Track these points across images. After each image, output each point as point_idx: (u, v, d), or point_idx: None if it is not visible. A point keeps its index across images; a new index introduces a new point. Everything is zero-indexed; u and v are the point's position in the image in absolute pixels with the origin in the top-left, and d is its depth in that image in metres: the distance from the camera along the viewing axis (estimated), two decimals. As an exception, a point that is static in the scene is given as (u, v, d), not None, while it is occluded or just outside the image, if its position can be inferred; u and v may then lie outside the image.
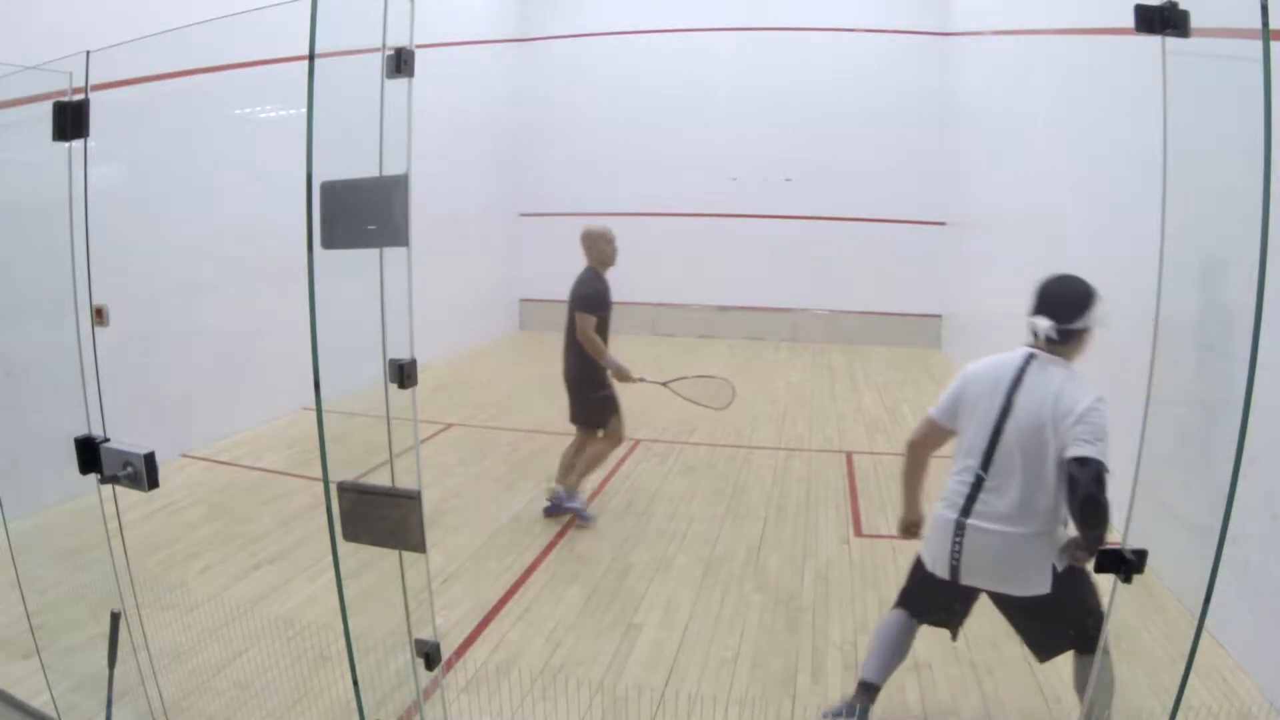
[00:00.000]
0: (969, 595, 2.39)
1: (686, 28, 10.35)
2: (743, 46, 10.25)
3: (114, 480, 1.87)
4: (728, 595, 3.37)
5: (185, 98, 4.74)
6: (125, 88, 3.28)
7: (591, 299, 4.07)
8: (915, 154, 9.71)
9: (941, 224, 9.76)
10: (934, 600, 2.43)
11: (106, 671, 2.06)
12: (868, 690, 2.44)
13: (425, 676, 1.82)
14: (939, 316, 10.05)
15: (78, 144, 1.92)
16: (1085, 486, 2.01)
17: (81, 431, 1.90)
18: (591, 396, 4.16)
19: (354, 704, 1.75)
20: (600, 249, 4.17)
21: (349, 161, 1.55)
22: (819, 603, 3.31)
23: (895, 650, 2.47)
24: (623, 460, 5.23)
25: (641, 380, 4.18)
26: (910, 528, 2.53)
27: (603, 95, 10.58)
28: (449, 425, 6.00)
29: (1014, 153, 6.74)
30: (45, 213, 2.07)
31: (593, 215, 10.71)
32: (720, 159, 10.32)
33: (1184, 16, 1.45)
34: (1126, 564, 1.58)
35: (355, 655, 1.69)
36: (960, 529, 2.25)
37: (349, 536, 1.66)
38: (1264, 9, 1.30)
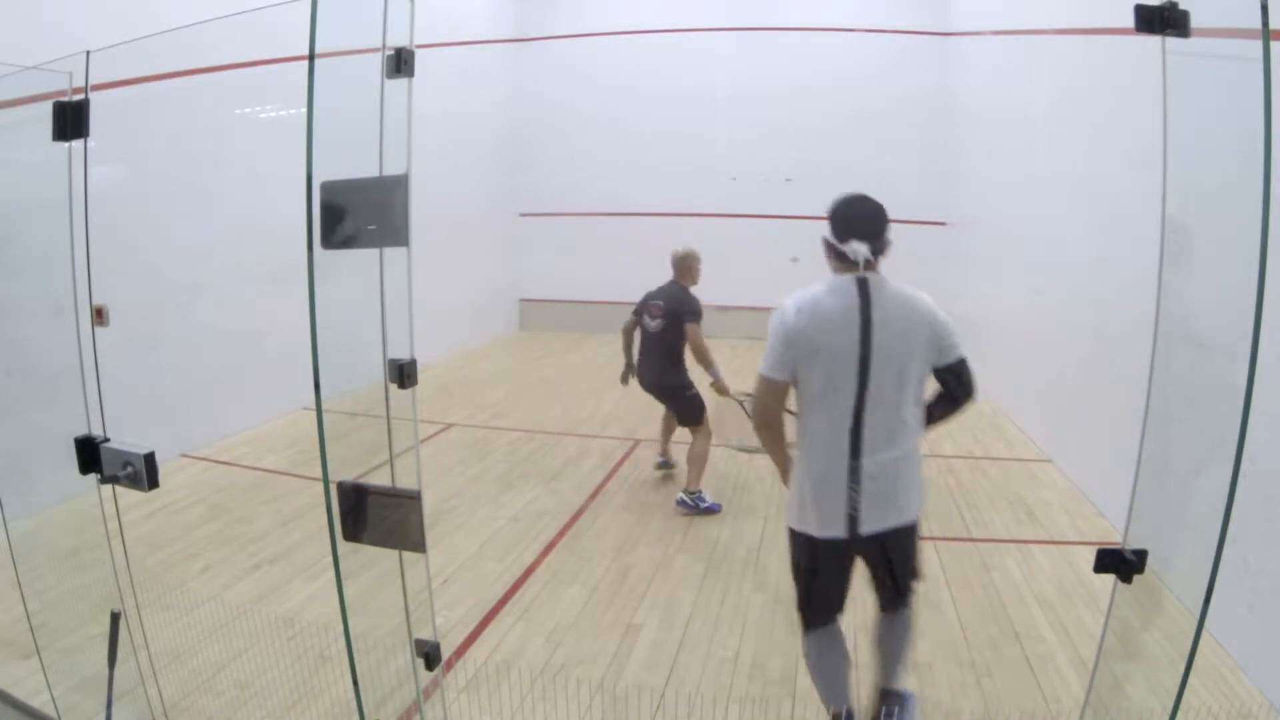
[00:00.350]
0: (853, 556, 2.26)
1: (686, 28, 10.35)
2: (743, 46, 10.25)
3: (114, 480, 1.87)
4: (728, 595, 3.37)
5: (185, 98, 4.74)
6: (125, 88, 3.28)
7: (700, 312, 4.53)
8: (915, 154, 9.70)
9: (941, 224, 9.76)
10: (832, 582, 2.27)
11: (106, 671, 2.06)
12: (849, 716, 2.27)
13: (425, 676, 1.82)
14: (939, 316, 10.04)
15: (78, 144, 1.92)
16: (970, 382, 2.17)
17: (81, 431, 1.90)
18: (689, 397, 4.60)
19: (354, 704, 1.75)
20: (695, 268, 4.70)
21: (349, 161, 1.55)
22: (819, 603, 3.30)
23: (838, 670, 2.32)
24: (623, 460, 5.23)
25: (735, 398, 4.49)
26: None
27: (603, 95, 10.58)
28: (449, 425, 6.00)
29: (1014, 153, 6.74)
30: (45, 213, 2.07)
31: (593, 215, 10.75)
32: (720, 159, 10.32)
33: (1184, 16, 1.45)
34: (1126, 564, 1.58)
35: (355, 655, 1.69)
36: (855, 474, 2.11)
37: (349, 536, 1.66)
38: (1264, 9, 1.30)
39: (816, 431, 2.18)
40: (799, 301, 2.24)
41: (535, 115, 10.76)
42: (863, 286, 2.18)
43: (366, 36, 1.53)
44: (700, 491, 4.37)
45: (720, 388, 4.53)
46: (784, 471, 2.36)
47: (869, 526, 2.13)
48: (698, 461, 4.44)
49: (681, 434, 4.74)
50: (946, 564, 3.66)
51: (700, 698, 2.62)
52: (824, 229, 2.32)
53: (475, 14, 9.74)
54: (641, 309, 4.74)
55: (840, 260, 2.23)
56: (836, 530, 2.15)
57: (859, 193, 2.36)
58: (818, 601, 2.30)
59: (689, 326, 4.47)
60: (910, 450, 2.17)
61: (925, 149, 9.60)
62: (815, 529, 2.18)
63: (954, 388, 2.19)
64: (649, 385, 4.76)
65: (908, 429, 2.16)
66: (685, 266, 4.70)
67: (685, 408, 4.62)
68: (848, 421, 2.12)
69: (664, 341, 4.57)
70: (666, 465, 4.96)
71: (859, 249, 2.20)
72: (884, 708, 2.32)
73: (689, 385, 4.63)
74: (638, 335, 4.75)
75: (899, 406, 2.13)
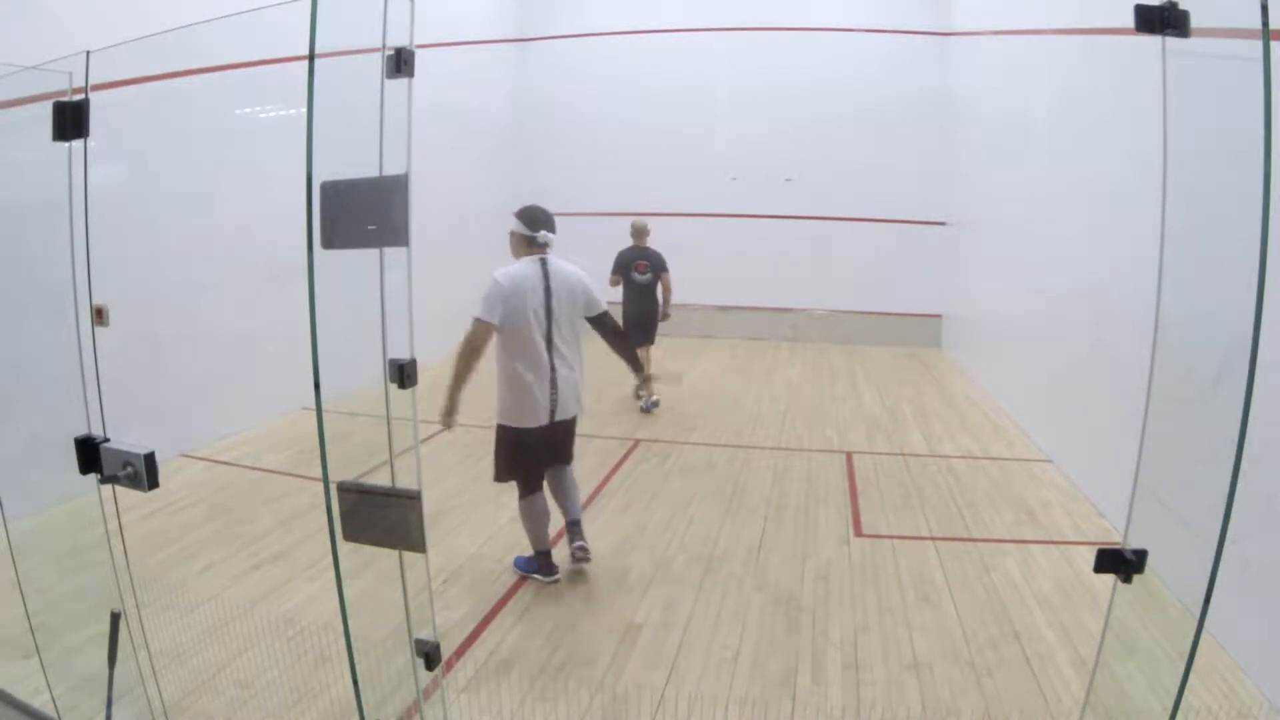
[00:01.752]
0: (547, 436, 3.36)
1: (686, 28, 10.35)
2: (743, 46, 10.24)
3: (114, 480, 1.87)
4: (728, 595, 3.37)
5: (185, 98, 4.74)
6: (125, 88, 3.28)
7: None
8: (915, 154, 9.71)
9: (941, 224, 9.76)
10: (531, 460, 3.39)
11: (106, 671, 2.06)
12: (548, 554, 3.45)
13: (425, 676, 1.82)
14: (939, 316, 10.05)
15: (78, 144, 1.92)
16: (613, 322, 3.48)
17: (81, 431, 1.90)
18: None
19: (354, 704, 1.75)
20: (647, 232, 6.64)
21: (349, 161, 1.55)
22: (819, 603, 3.31)
23: (544, 521, 3.44)
24: (623, 460, 5.23)
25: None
26: (450, 418, 3.30)
27: (603, 95, 10.58)
28: (449, 425, 5.99)
29: (1014, 153, 6.74)
30: (45, 213, 2.07)
31: (592, 215, 10.79)
32: (720, 159, 10.32)
33: (1184, 16, 1.44)
34: (1126, 564, 1.58)
35: (355, 655, 1.69)
36: (554, 380, 3.28)
37: (349, 536, 1.66)
38: (1264, 9, 1.30)
39: (523, 357, 3.25)
40: (507, 273, 3.26)
41: (536, 115, 10.76)
42: (544, 263, 3.30)
43: (366, 36, 1.53)
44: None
45: (668, 314, 6.58)
46: (458, 384, 3.27)
47: (561, 415, 3.35)
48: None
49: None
50: (946, 564, 3.67)
51: (700, 698, 2.62)
52: (514, 225, 3.37)
53: (475, 14, 9.74)
54: (629, 267, 6.47)
55: (529, 246, 3.33)
56: (541, 418, 3.30)
57: (536, 204, 3.45)
58: (531, 475, 3.42)
59: (667, 274, 6.49)
60: (578, 369, 3.39)
61: (925, 149, 9.61)
62: (528, 422, 3.29)
63: (603, 329, 3.42)
64: (648, 322, 6.49)
65: (577, 353, 3.37)
66: (648, 232, 6.63)
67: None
68: (544, 350, 3.27)
69: (652, 288, 6.49)
70: (655, 404, 6.43)
71: (548, 237, 3.33)
72: (570, 531, 3.52)
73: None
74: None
75: (570, 341, 3.34)
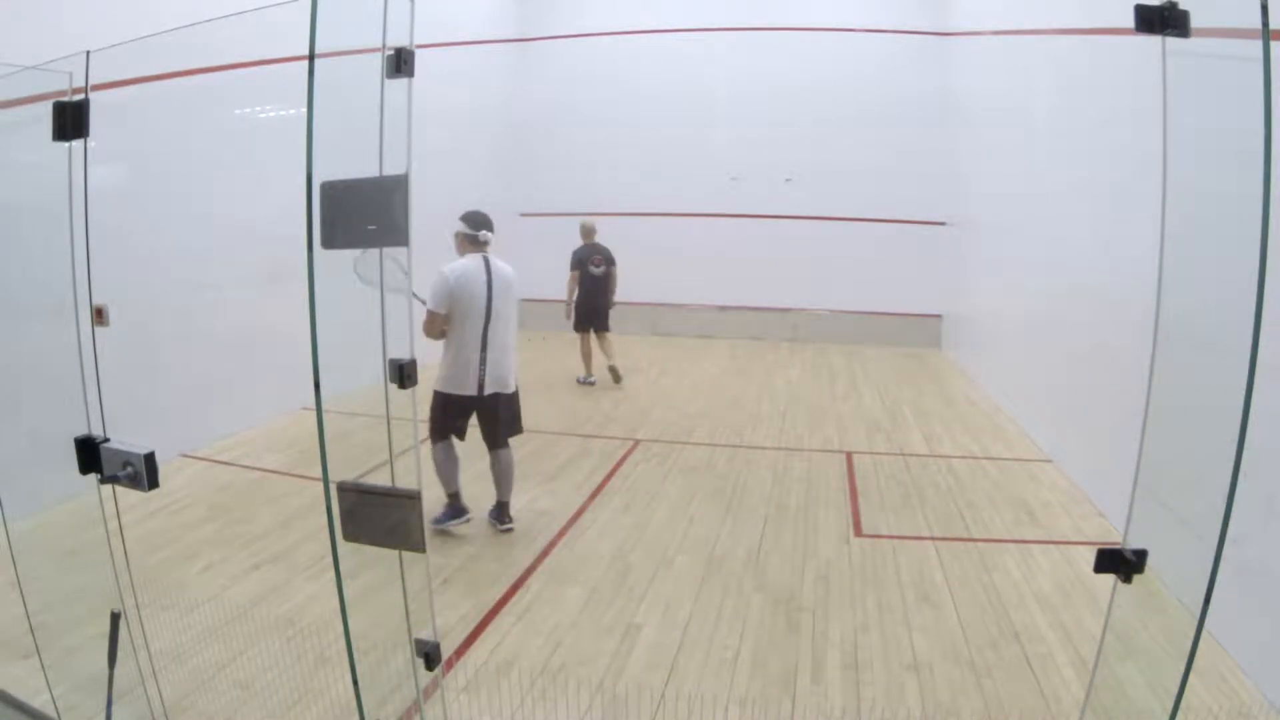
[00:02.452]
0: (475, 405, 3.89)
1: (686, 28, 10.35)
2: (742, 46, 10.25)
3: (114, 480, 1.87)
4: (728, 595, 3.37)
5: (185, 98, 4.73)
6: (125, 88, 3.28)
7: None
8: (915, 154, 9.71)
9: (941, 224, 9.76)
10: (453, 419, 3.93)
11: (106, 671, 2.06)
12: (458, 496, 3.99)
13: (425, 676, 1.82)
14: (939, 316, 10.05)
15: (78, 144, 1.92)
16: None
17: (81, 431, 1.90)
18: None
19: (354, 704, 1.75)
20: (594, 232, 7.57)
21: (349, 161, 1.55)
22: (819, 603, 3.31)
23: (454, 466, 3.97)
24: (623, 460, 5.23)
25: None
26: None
27: (602, 95, 10.58)
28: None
29: (1014, 153, 6.74)
30: (45, 213, 2.07)
31: (593, 215, 10.82)
32: (720, 159, 10.33)
33: (1184, 16, 1.44)
34: (1126, 564, 1.58)
35: (355, 655, 1.69)
36: (484, 359, 3.82)
37: (349, 536, 1.66)
38: (1264, 9, 1.30)
39: (464, 338, 3.79)
40: (453, 269, 3.77)
41: (535, 115, 10.76)
42: (486, 261, 3.85)
43: (366, 36, 1.53)
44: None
45: (613, 303, 7.56)
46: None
47: (488, 390, 3.87)
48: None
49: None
50: (946, 564, 3.67)
51: (700, 698, 2.62)
52: (460, 226, 3.91)
53: (475, 14, 9.74)
54: (586, 262, 7.35)
55: (473, 244, 3.88)
56: (471, 390, 3.83)
57: (475, 208, 3.97)
58: (445, 429, 3.95)
59: (615, 268, 7.43)
60: (510, 353, 3.93)
61: (925, 149, 9.61)
62: (460, 390, 3.83)
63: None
64: (602, 312, 7.41)
65: (509, 341, 3.91)
66: (596, 231, 7.57)
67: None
68: (480, 333, 3.81)
69: (607, 280, 7.40)
70: (592, 381, 7.43)
71: (489, 236, 3.88)
72: (498, 507, 4.06)
73: None
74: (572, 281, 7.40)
75: (503, 328, 3.87)
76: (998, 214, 7.44)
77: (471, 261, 3.80)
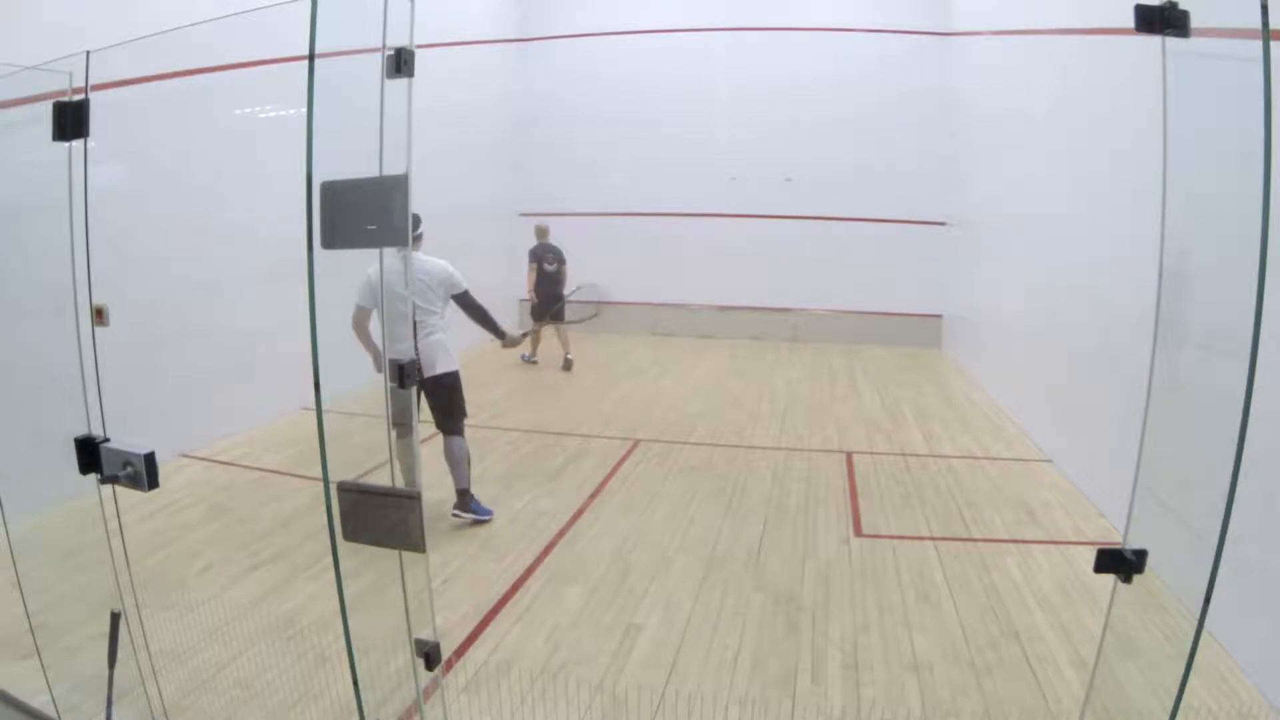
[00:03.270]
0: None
1: (686, 28, 10.35)
2: (742, 46, 10.25)
3: (114, 480, 1.87)
4: (728, 595, 3.37)
5: (185, 98, 4.73)
6: (125, 88, 3.28)
7: None
8: (915, 154, 9.71)
9: (941, 224, 9.76)
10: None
11: (106, 671, 2.06)
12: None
13: (425, 676, 1.82)
14: (939, 316, 10.05)
15: (78, 144, 1.92)
16: (471, 300, 4.18)
17: (81, 431, 1.90)
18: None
19: (354, 704, 1.75)
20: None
21: (349, 161, 1.55)
22: (819, 603, 3.31)
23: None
24: (623, 460, 5.23)
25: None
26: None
27: (602, 95, 10.58)
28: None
29: (1014, 153, 6.74)
30: (45, 213, 2.07)
31: (593, 215, 10.77)
32: (720, 159, 10.33)
33: (1184, 16, 1.44)
34: (1126, 564, 1.58)
35: (355, 655, 1.69)
36: (414, 345, 3.81)
37: (349, 536, 1.66)
38: (1264, 9, 1.30)
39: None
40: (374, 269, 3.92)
41: (535, 115, 10.76)
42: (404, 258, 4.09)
43: (366, 36, 1.53)
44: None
45: (561, 295, 8.43)
46: (375, 357, 3.53)
47: (425, 372, 3.95)
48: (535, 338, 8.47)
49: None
50: (946, 564, 3.67)
51: (700, 698, 2.62)
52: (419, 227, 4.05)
53: (475, 14, 9.74)
54: (541, 259, 8.27)
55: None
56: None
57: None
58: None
59: (565, 265, 8.39)
60: (438, 334, 4.07)
61: (925, 149, 9.61)
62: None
63: (464, 307, 4.19)
64: (553, 303, 8.24)
65: (437, 324, 4.09)
66: (549, 231, 8.48)
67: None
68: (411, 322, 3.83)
69: (559, 276, 8.37)
70: (535, 361, 8.52)
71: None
72: (458, 501, 4.11)
73: None
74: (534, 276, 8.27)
75: (429, 313, 4.06)
76: (998, 214, 7.44)
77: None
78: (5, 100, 2.06)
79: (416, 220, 3.96)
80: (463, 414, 4.18)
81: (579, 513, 4.29)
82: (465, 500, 4.10)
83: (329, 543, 1.64)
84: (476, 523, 4.07)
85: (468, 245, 9.08)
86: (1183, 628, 1.51)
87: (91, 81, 1.88)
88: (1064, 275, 5.27)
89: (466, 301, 4.20)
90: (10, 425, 2.38)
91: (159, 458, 1.83)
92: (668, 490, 4.68)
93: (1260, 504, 2.50)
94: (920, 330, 10.11)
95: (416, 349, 3.96)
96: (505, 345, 4.46)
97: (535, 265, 8.29)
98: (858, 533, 4.08)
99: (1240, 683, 2.67)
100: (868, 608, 3.27)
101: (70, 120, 1.89)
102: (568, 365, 8.27)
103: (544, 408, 6.78)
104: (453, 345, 4.17)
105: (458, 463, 4.10)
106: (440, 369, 4.06)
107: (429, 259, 4.10)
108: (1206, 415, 1.60)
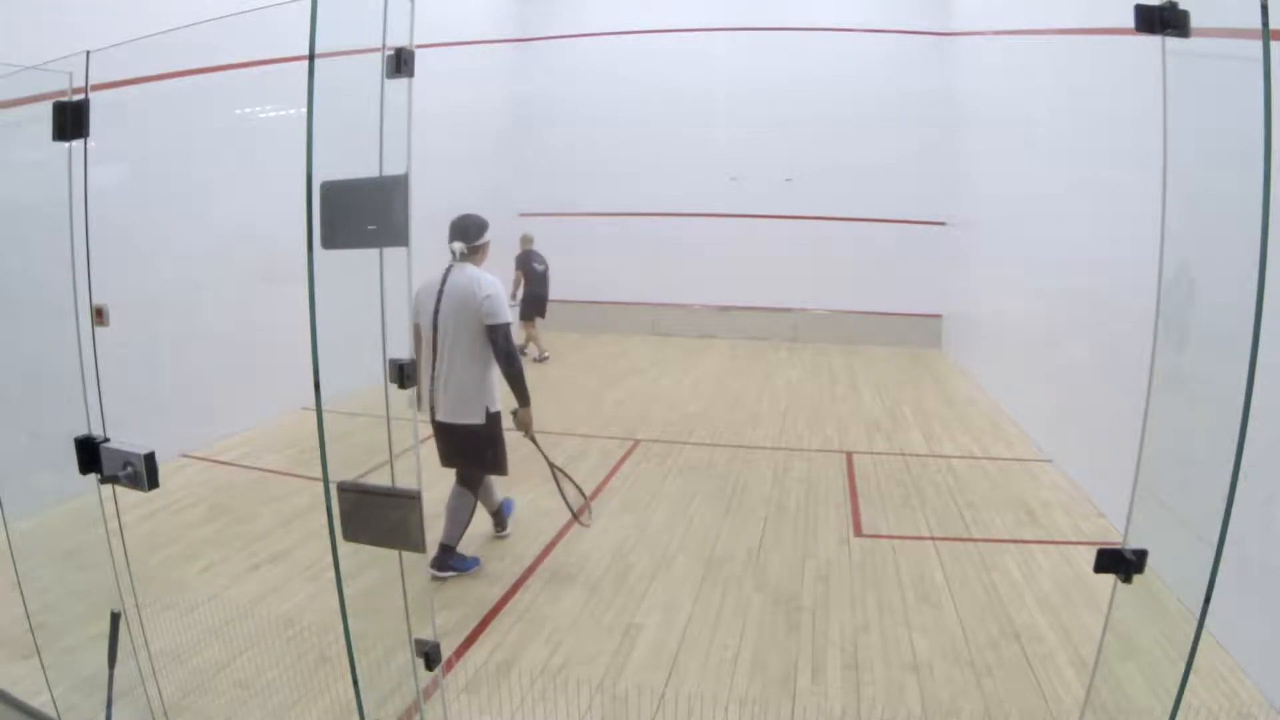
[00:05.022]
0: (436, 434, 3.47)
1: (686, 28, 10.36)
2: (743, 46, 10.25)
3: (114, 480, 1.87)
4: (728, 595, 3.37)
5: (185, 98, 4.74)
6: (125, 88, 3.28)
7: None
8: (915, 154, 9.72)
9: (941, 224, 9.76)
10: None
11: (106, 671, 2.06)
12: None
13: (425, 676, 1.82)
14: (939, 316, 10.05)
15: (78, 144, 1.92)
16: (502, 341, 3.35)
17: (81, 431, 1.90)
18: None
19: (354, 704, 1.75)
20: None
21: (349, 161, 1.55)
22: (819, 603, 3.31)
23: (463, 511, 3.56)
24: (623, 460, 5.23)
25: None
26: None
27: (602, 95, 10.59)
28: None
29: (1014, 153, 6.74)
30: (45, 213, 2.07)
31: (593, 215, 10.77)
32: (720, 159, 10.33)
33: (1184, 16, 1.44)
34: (1126, 564, 1.58)
35: (355, 655, 1.69)
36: (432, 378, 3.40)
37: (349, 536, 1.66)
38: (1264, 9, 1.30)
39: (423, 356, 3.44)
40: (425, 280, 3.43)
41: (535, 115, 10.77)
42: (448, 271, 3.42)
43: (366, 36, 1.53)
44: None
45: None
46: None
47: (439, 416, 3.42)
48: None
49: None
50: (946, 564, 3.67)
51: (700, 698, 2.62)
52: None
53: (475, 14, 9.74)
54: (530, 262, 8.78)
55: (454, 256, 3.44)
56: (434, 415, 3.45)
57: (470, 212, 3.53)
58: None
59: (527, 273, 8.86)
60: (464, 375, 3.39)
61: (925, 149, 9.62)
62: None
63: (493, 344, 3.38)
64: (543, 303, 8.87)
65: (464, 362, 3.38)
66: (534, 239, 9.03)
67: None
68: (431, 352, 3.40)
69: (547, 277, 8.85)
70: (546, 357, 8.84)
71: (455, 247, 3.42)
72: (437, 556, 3.47)
73: None
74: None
75: (456, 347, 3.37)
76: (998, 214, 7.44)
77: (436, 274, 3.41)
78: (5, 100, 2.06)
79: (482, 227, 3.46)
80: (496, 468, 3.54)
81: (579, 512, 4.28)
82: (445, 557, 3.46)
83: (329, 543, 1.64)
84: (461, 572, 3.53)
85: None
86: (1183, 628, 1.51)
87: (91, 81, 1.88)
88: (1064, 275, 5.27)
89: (495, 341, 3.35)
90: (10, 425, 2.38)
91: (159, 458, 1.83)
92: (668, 490, 4.68)
93: (1260, 504, 2.50)
94: (920, 330, 10.11)
95: (434, 385, 3.37)
96: (520, 419, 3.51)
97: (524, 271, 8.77)
98: (858, 533, 4.08)
99: (1240, 683, 2.67)
100: (868, 608, 3.27)
101: (70, 120, 1.89)
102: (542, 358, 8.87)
103: (544, 408, 6.76)
104: (496, 382, 3.46)
105: (456, 517, 3.50)
106: (456, 416, 3.38)
107: (472, 276, 3.37)
108: (1206, 415, 1.60)
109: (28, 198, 2.21)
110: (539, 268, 8.84)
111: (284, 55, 2.22)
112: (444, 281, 3.36)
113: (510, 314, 3.44)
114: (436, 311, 3.35)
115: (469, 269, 3.38)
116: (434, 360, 3.38)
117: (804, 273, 10.25)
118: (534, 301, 8.84)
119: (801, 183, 10.24)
